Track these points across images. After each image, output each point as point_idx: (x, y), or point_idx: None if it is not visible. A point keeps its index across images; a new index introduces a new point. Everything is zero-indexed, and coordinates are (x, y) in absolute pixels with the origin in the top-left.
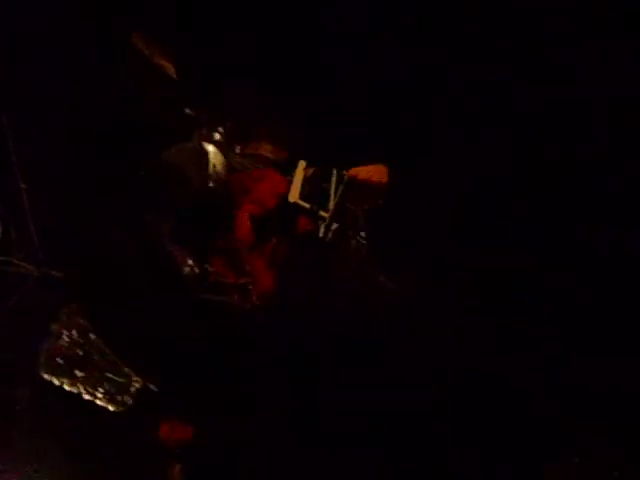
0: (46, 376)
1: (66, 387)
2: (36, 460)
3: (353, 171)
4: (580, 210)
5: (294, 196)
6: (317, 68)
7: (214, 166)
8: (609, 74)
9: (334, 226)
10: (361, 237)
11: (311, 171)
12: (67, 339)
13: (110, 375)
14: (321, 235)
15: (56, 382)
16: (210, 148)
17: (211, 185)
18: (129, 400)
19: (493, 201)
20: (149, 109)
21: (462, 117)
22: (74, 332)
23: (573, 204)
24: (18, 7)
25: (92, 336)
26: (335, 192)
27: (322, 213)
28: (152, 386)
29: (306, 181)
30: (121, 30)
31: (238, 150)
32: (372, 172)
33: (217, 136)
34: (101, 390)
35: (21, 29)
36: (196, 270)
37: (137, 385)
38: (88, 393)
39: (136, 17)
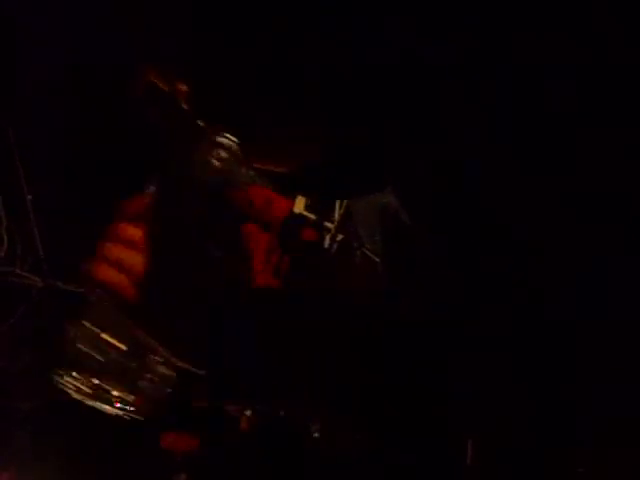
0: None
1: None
2: (36, 465)
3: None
4: (579, 208)
5: (299, 207)
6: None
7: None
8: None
9: (339, 237)
10: (367, 249)
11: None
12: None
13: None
14: (326, 246)
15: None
16: (223, 154)
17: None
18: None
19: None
20: (156, 118)
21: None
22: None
23: (572, 200)
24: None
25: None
26: (340, 203)
27: (327, 224)
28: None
29: None
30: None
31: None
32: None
33: (226, 142)
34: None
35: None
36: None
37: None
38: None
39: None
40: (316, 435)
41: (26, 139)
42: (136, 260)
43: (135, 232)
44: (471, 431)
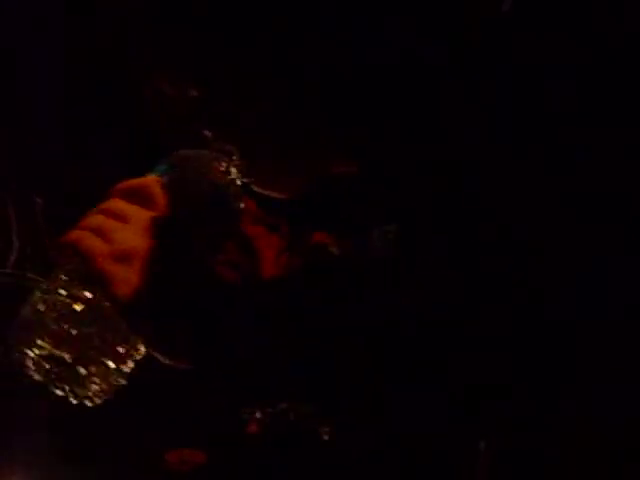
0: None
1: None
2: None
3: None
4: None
5: None
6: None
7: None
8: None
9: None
10: (376, 252)
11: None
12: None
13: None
14: (335, 250)
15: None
16: (224, 165)
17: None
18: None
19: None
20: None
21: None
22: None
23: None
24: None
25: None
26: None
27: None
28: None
29: None
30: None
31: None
32: None
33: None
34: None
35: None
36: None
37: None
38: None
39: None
40: (326, 438)
41: (36, 141)
42: (121, 233)
43: (125, 207)
44: (470, 431)
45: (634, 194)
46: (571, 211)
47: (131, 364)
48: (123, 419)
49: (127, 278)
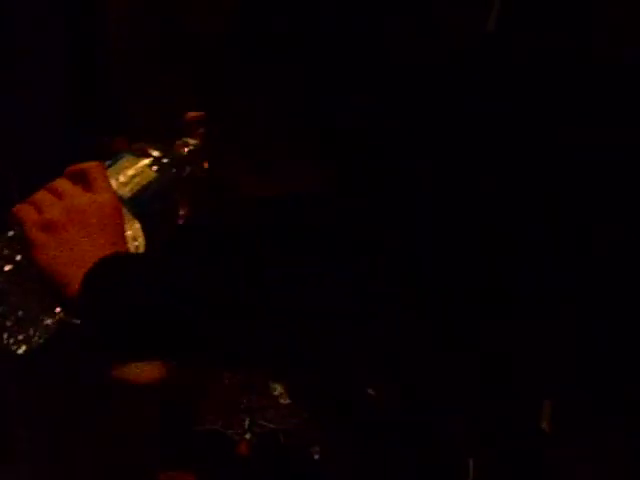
0: None
1: None
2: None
3: None
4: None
5: None
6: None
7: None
8: None
9: None
10: None
11: None
12: None
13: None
14: None
15: None
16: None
17: None
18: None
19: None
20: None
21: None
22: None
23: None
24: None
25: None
26: None
27: None
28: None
29: None
30: None
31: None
32: None
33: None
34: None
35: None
36: None
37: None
38: None
39: None
40: (317, 457)
41: (18, 153)
42: (52, 207)
43: (66, 186)
44: (470, 434)
45: (634, 194)
46: (571, 211)
47: (52, 320)
48: (113, 439)
49: (46, 244)
